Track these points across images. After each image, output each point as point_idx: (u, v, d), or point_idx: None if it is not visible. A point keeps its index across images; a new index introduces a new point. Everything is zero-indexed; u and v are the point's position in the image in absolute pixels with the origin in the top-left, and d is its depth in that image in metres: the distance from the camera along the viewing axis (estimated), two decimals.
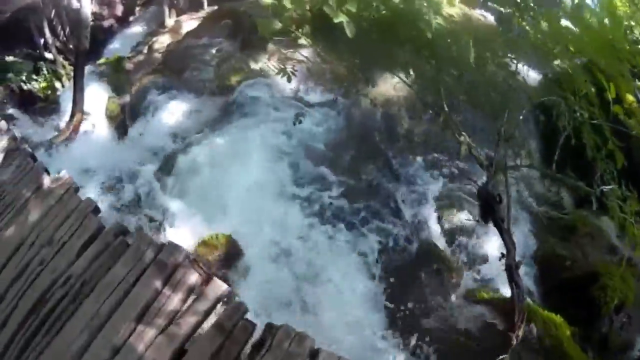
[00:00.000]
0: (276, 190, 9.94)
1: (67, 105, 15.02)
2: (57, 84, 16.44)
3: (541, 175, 10.47)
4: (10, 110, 14.36)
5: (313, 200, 9.74)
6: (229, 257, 8.57)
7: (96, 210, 6.11)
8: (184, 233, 9.17)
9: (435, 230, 9.38)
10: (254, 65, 13.00)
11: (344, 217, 9.42)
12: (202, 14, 17.71)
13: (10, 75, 15.58)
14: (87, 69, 17.67)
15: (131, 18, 20.10)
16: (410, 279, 8.51)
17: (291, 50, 12.95)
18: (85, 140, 12.78)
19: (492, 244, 8.99)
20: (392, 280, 8.53)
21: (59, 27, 17.87)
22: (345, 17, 11.78)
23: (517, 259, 7.13)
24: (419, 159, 10.70)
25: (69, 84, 16.56)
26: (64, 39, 18.09)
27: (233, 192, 9.84)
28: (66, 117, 14.95)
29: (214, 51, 13.88)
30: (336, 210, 9.53)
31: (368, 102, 10.55)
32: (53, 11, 17.65)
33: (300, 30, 12.49)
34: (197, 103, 12.59)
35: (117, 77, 15.72)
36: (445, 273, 8.54)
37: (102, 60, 16.61)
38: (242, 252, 8.69)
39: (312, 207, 9.60)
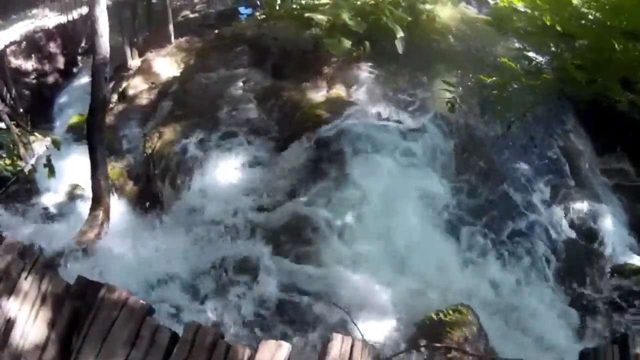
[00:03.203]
0: (432, 236, 7.23)
1: (44, 183, 10.05)
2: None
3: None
4: None
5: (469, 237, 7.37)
6: (477, 329, 5.92)
7: None
8: (390, 322, 6.13)
9: (567, 226, 7.99)
10: (314, 95, 8.83)
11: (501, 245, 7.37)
12: (171, 49, 13.07)
13: None
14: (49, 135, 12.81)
15: (75, 69, 14.91)
16: (575, 280, 7.33)
17: (351, 71, 9.04)
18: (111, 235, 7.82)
19: (607, 223, 8.12)
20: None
21: (4, 90, 12.51)
22: (402, 33, 9.29)
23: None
24: (524, 164, 8.62)
25: (30, 155, 11.50)
26: (12, 102, 12.74)
27: (399, 251, 6.87)
28: (48, 198, 10.02)
29: (241, 84, 9.50)
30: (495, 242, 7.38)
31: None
32: None
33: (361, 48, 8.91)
34: (259, 152, 8.25)
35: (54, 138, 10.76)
36: (594, 259, 7.58)
37: (73, 120, 11.55)
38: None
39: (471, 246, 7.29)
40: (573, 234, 7.90)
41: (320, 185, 7.40)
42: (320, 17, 8.95)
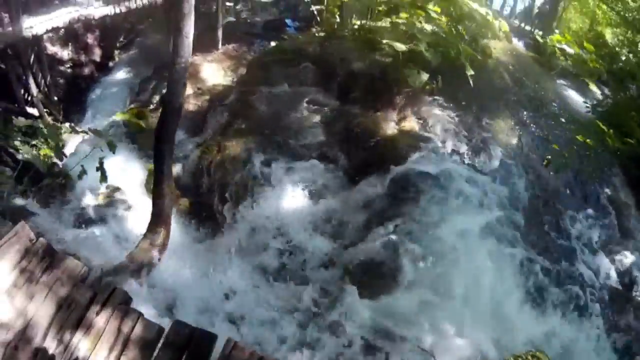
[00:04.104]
0: (502, 280, 6.77)
1: (80, 180, 9.03)
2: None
3: None
4: (18, 200, 8.11)
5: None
6: None
7: None
8: None
9: (613, 276, 7.59)
10: (387, 126, 8.15)
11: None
12: (219, 55, 12.33)
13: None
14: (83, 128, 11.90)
15: (111, 63, 14.01)
16: (619, 331, 6.99)
17: (422, 104, 8.40)
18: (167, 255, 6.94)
19: None
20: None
21: (39, 75, 11.58)
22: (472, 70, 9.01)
23: None
24: (577, 212, 8.12)
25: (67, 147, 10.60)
26: (46, 89, 11.82)
27: (474, 295, 6.45)
28: (85, 198, 9.10)
29: (306, 104, 8.75)
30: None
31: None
32: (32, 56, 11.34)
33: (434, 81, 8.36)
34: (328, 179, 7.54)
35: (146, 137, 9.93)
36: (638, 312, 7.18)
37: (117, 117, 10.64)
38: None
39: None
40: (617, 284, 7.58)
41: (398, 225, 6.77)
42: (399, 46, 8.34)
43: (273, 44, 10.84)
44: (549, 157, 7.84)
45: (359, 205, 7.05)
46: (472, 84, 9.01)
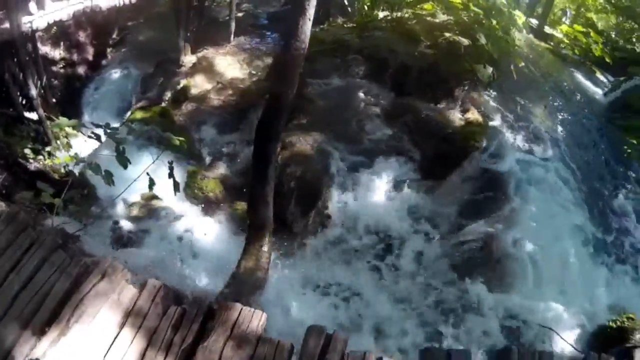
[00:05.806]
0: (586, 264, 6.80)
1: (102, 187, 7.70)
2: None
3: None
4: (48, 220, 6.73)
5: None
6: None
7: None
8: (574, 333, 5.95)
9: None
10: (452, 117, 7.66)
11: None
12: (231, 48, 11.39)
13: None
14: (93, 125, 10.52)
15: (104, 62, 12.61)
16: None
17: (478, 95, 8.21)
18: None
19: None
20: None
21: (35, 76, 10.08)
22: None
23: None
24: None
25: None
26: (42, 91, 10.32)
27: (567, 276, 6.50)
28: (116, 209, 7.87)
29: (362, 95, 7.91)
30: None
31: None
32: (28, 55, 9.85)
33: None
34: (404, 173, 7.03)
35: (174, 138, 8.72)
36: None
37: (137, 114, 9.40)
38: None
39: None
40: None
41: (492, 218, 6.51)
42: (462, 40, 8.28)
43: None
44: (628, 149, 8.30)
45: (444, 197, 6.71)
46: (515, 76, 8.66)
